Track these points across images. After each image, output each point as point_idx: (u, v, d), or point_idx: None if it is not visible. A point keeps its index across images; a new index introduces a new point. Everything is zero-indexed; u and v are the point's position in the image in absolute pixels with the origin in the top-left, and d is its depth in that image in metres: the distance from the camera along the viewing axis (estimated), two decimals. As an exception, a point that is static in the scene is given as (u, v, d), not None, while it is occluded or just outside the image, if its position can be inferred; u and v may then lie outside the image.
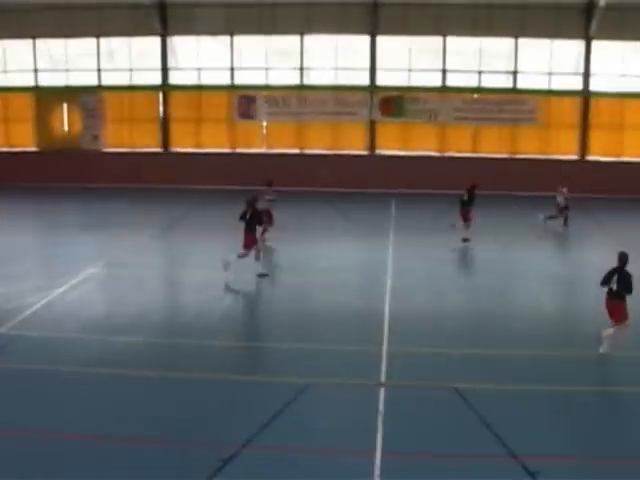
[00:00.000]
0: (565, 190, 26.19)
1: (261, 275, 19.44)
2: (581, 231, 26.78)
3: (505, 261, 22.40)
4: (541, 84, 34.12)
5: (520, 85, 34.23)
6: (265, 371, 13.43)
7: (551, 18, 33.02)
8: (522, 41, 33.77)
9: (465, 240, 23.68)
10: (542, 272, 20.92)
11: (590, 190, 31.65)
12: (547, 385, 12.95)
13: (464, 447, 10.77)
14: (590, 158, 34.67)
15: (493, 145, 34.90)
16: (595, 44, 33.56)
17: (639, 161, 34.35)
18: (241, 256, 19.07)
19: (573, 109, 34.50)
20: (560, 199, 26.32)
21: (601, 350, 14.24)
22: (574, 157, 34.72)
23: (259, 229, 19.48)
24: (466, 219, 24.05)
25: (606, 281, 14.19)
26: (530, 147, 34.76)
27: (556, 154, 34.64)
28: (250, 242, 19.11)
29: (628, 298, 14.13)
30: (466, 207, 24.13)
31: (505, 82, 34.31)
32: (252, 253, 19.31)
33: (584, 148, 34.56)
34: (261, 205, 21.44)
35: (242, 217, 19.17)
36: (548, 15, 32.92)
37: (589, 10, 32.80)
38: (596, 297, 15.01)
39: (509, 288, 19.50)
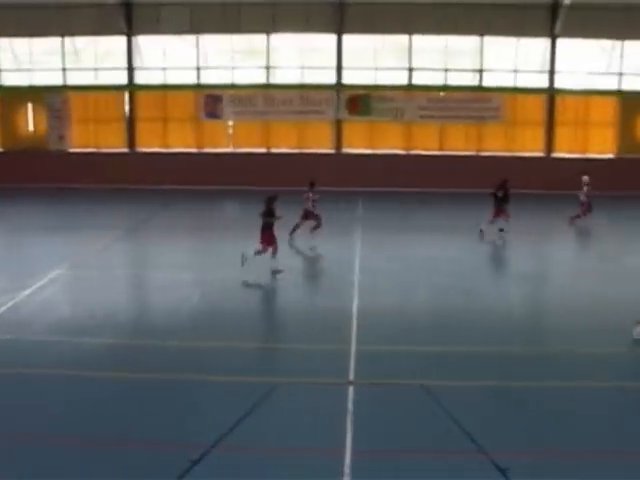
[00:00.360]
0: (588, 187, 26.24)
1: (275, 272, 19.53)
2: (547, 228, 27.06)
3: (470, 259, 22.51)
4: (507, 82, 34.29)
5: (486, 83, 34.37)
6: (233, 371, 13.33)
7: (517, 16, 33.19)
8: (488, 39, 33.90)
9: (501, 230, 24.18)
10: (508, 270, 21.12)
11: (556, 187, 31.91)
12: (515, 381, 13.05)
13: (434, 444, 10.80)
14: (556, 155, 34.96)
15: (459, 143, 35.02)
16: (560, 42, 33.80)
17: (604, 158, 34.75)
18: (258, 253, 19.40)
19: (539, 106, 34.74)
20: (582, 195, 26.39)
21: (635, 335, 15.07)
22: (540, 154, 34.97)
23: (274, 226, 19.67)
24: (499, 215, 24.25)
25: None
26: (496, 144, 34.91)
27: (522, 151, 34.84)
28: (267, 239, 19.38)
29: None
30: (501, 204, 24.27)
31: (471, 80, 34.46)
32: (269, 250, 19.54)
33: (550, 145, 34.83)
34: (305, 206, 22.78)
35: (264, 214, 19.45)
36: (513, 13, 33.08)
37: (554, 8, 33.05)
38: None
39: (475, 286, 19.58)
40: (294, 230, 23.17)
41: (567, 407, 12.22)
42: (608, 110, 34.86)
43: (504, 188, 24.48)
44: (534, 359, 14.28)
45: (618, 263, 21.79)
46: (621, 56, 34.05)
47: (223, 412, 11.51)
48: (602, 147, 35.06)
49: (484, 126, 34.78)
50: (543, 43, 34.07)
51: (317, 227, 23.18)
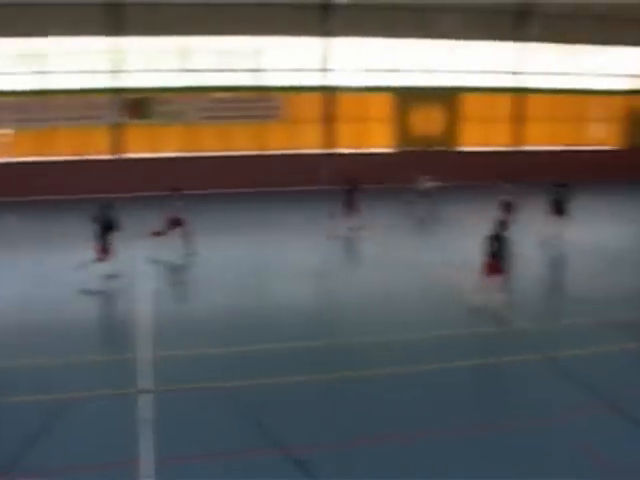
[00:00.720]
0: (428, 177, 28.30)
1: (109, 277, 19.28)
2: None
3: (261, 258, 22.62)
4: (286, 81, 34.70)
5: (266, 82, 34.60)
6: (19, 391, 12.57)
7: (292, 16, 33.63)
8: (267, 39, 34.13)
9: (357, 228, 24.67)
10: (306, 267, 21.42)
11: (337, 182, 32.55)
12: (307, 375, 13.44)
13: (233, 444, 10.85)
14: (340, 150, 35.74)
15: (242, 142, 35.05)
16: (336, 41, 34.56)
17: (380, 152, 35.90)
18: (96, 261, 19.17)
19: (318, 104, 35.34)
20: (422, 186, 28.31)
21: (500, 301, 16.76)
22: (323, 151, 35.63)
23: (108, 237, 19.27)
24: (355, 209, 24.92)
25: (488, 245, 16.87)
26: (278, 143, 35.19)
27: (303, 148, 35.36)
28: (101, 250, 19.14)
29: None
30: (352, 197, 25.00)
31: (251, 80, 34.57)
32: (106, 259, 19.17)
33: (330, 141, 35.54)
34: (169, 213, 22.03)
35: (96, 223, 19.18)
36: (289, 13, 33.48)
37: (327, 8, 33.74)
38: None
39: (269, 283, 19.80)
40: (158, 236, 22.37)
41: (374, 394, 12.66)
42: (385, 106, 35.94)
43: (354, 185, 25.27)
44: (328, 353, 14.63)
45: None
46: (396, 53, 35.30)
47: (12, 435, 10.92)
48: (381, 141, 36.15)
49: (265, 125, 34.96)
50: (320, 42, 34.71)
51: (186, 234, 22.16)
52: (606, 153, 39.37)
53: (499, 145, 38.00)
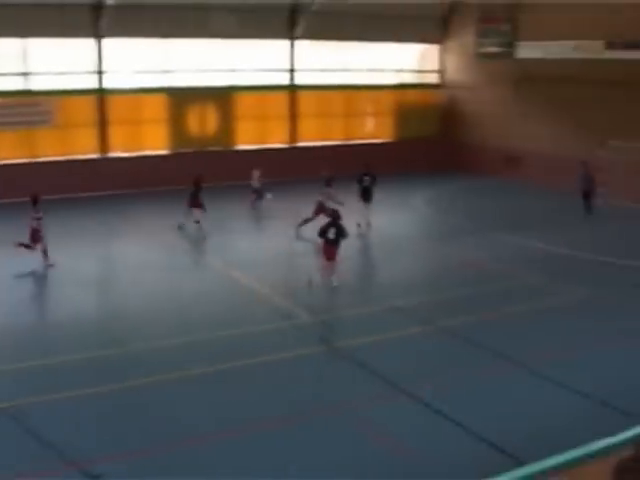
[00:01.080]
0: (258, 174, 31.09)
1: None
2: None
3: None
4: (56, 84, 34.04)
5: (34, 87, 33.73)
6: None
7: (61, 17, 32.85)
8: (32, 41, 33.25)
9: (197, 222, 26.98)
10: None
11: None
12: (96, 387, 13.66)
13: (23, 466, 10.91)
14: (114, 154, 35.62)
15: (9, 150, 33.48)
16: (107, 42, 34.23)
17: (156, 154, 36.14)
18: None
19: (91, 108, 34.87)
20: (255, 183, 31.12)
21: (335, 283, 19.89)
22: (95, 155, 35.35)
23: None
24: (197, 206, 27.06)
25: (323, 232, 19.98)
26: (50, 149, 34.30)
27: (78, 154, 34.91)
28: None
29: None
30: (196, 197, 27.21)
31: (17, 84, 33.60)
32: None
33: (105, 145, 35.36)
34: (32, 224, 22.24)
35: None
36: (58, 14, 32.51)
37: (98, 9, 33.32)
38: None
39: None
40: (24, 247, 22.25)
41: (163, 401, 13.18)
42: (159, 107, 36.09)
43: (197, 184, 27.22)
44: (113, 362, 15.05)
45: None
46: (169, 54, 35.55)
47: None
48: (155, 144, 36.35)
49: (35, 131, 33.91)
50: (90, 44, 34.28)
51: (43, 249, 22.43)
52: (377, 146, 41.42)
53: (274, 142, 39.13)
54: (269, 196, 31.11)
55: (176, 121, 36.22)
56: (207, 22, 35.61)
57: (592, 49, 34.32)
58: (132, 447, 11.70)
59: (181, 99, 36.07)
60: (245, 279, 21.19)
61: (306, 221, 25.68)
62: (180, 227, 27.33)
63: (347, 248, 22.18)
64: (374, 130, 42.27)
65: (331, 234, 19.98)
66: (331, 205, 24.60)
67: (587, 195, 30.66)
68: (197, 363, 15.14)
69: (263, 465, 11.34)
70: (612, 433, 8.48)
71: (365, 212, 27.15)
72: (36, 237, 22.53)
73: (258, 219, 30.51)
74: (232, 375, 14.59)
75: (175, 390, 13.93)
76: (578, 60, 34.81)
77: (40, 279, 21.80)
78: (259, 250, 24.93)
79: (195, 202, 27.31)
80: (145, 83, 35.61)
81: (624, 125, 32.43)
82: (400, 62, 42.50)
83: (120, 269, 23.31)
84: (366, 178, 27.84)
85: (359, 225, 27.03)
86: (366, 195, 27.33)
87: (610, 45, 33.68)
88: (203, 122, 36.96)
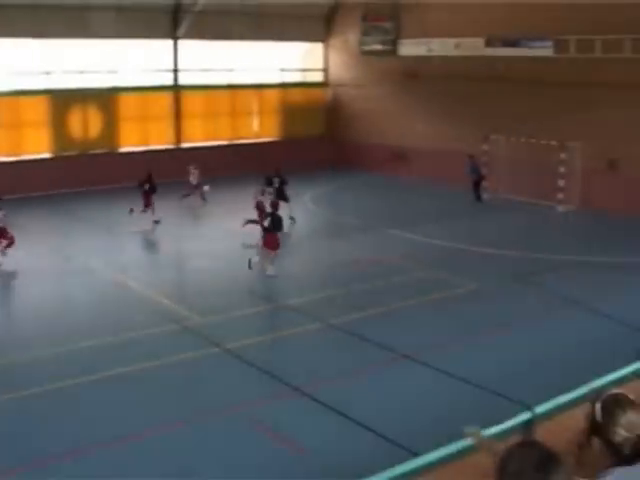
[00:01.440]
0: (197, 171, 31.61)
1: None
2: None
3: None
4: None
5: None
6: None
7: None
8: None
9: (156, 222, 26.92)
10: None
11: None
12: None
13: None
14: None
15: None
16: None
17: (37, 158, 35.21)
18: None
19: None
20: (192, 179, 31.68)
21: (269, 272, 21.01)
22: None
23: None
24: (148, 204, 27.20)
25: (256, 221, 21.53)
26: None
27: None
28: None
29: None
30: (149, 194, 27.32)
31: None
32: None
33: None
34: None
35: None
36: None
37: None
38: None
39: None
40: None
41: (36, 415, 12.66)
42: (41, 109, 35.12)
43: (150, 181, 27.42)
44: None
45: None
46: (49, 55, 34.70)
47: None
48: (37, 147, 35.40)
49: None
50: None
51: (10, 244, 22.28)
52: (264, 145, 41.43)
53: (159, 144, 38.60)
54: (206, 188, 31.40)
55: (59, 124, 35.26)
56: (88, 22, 34.84)
57: (473, 46, 35.21)
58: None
59: (64, 101, 35.18)
60: (134, 283, 20.87)
61: (251, 222, 25.21)
62: (156, 222, 27.15)
63: (237, 249, 22.22)
64: (260, 129, 42.21)
65: (266, 222, 21.28)
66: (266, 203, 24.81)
67: (477, 184, 32.80)
68: (86, 370, 14.77)
69: (163, 469, 11.17)
70: (499, 421, 8.64)
71: (287, 210, 27.13)
72: None
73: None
74: (120, 381, 14.33)
75: (63, 399, 13.62)
76: (460, 57, 35.67)
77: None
78: (149, 254, 24.56)
79: (149, 201, 27.31)
80: (25, 85, 34.49)
81: (505, 120, 33.39)
82: (285, 61, 42.60)
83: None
84: (276, 179, 28.56)
85: (292, 219, 27.83)
86: (281, 196, 27.44)
87: (489, 42, 34.61)
88: (86, 124, 36.13)
